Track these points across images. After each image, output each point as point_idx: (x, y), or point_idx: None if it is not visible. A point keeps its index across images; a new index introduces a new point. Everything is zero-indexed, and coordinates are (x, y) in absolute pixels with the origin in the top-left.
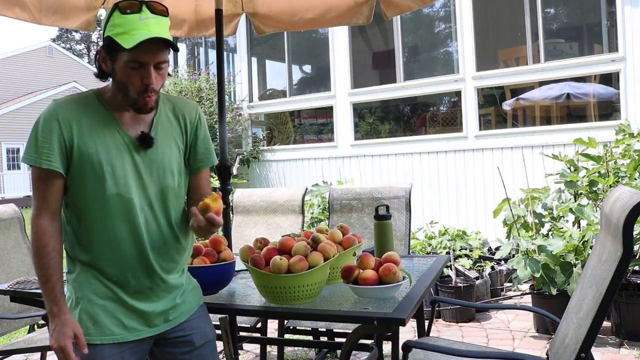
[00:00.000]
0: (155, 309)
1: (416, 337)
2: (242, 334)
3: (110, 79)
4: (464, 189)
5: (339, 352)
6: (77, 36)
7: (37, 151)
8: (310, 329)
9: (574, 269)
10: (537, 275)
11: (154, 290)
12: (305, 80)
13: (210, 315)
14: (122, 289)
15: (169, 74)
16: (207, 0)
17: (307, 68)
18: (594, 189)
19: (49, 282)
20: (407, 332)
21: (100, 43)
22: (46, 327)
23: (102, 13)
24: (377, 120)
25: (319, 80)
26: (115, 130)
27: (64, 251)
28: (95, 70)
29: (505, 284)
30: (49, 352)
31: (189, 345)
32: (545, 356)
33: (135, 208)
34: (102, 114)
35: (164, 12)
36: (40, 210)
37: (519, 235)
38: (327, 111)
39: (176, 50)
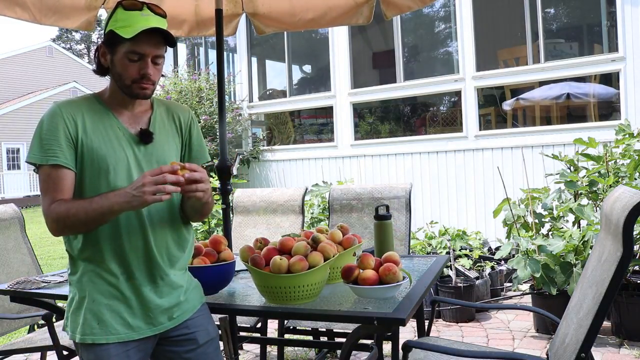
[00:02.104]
0: (160, 306)
1: (416, 337)
2: (242, 334)
3: (109, 78)
4: (464, 189)
5: (339, 352)
6: (77, 36)
7: (41, 149)
8: (310, 329)
9: (574, 269)
10: (537, 275)
11: (157, 285)
12: (305, 80)
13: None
14: (127, 284)
15: (162, 75)
16: (207, 0)
17: (307, 68)
18: (594, 189)
19: (92, 200)
20: (407, 332)
21: (101, 41)
22: (46, 327)
23: (102, 13)
24: (377, 120)
25: (319, 80)
26: (115, 127)
27: (66, 253)
28: (94, 67)
29: (505, 284)
30: (49, 352)
31: (193, 344)
32: (545, 356)
33: None
34: (102, 112)
35: (162, 14)
36: (55, 198)
37: (519, 235)
38: (327, 111)
39: (173, 44)
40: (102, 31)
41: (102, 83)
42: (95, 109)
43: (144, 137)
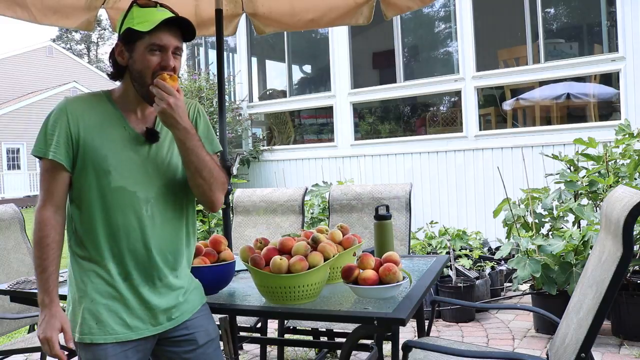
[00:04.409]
0: (159, 306)
1: (416, 337)
2: (242, 334)
3: (122, 80)
4: (464, 189)
5: (339, 352)
6: (77, 36)
7: (45, 143)
8: (310, 329)
9: (574, 269)
10: (537, 275)
11: (156, 286)
12: (305, 80)
13: None
14: (125, 284)
15: None
16: (207, 0)
17: (307, 68)
18: (594, 189)
19: (45, 272)
20: (407, 332)
21: (101, 43)
22: None
23: (102, 13)
24: (377, 120)
25: (319, 80)
26: (122, 126)
27: (69, 250)
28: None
29: (505, 284)
30: None
31: (192, 344)
32: (545, 356)
33: (140, 201)
34: (110, 111)
35: (175, 14)
36: (45, 202)
37: (519, 235)
38: (327, 111)
39: (192, 36)
40: (118, 30)
41: (102, 84)
42: (104, 107)
43: (150, 136)
